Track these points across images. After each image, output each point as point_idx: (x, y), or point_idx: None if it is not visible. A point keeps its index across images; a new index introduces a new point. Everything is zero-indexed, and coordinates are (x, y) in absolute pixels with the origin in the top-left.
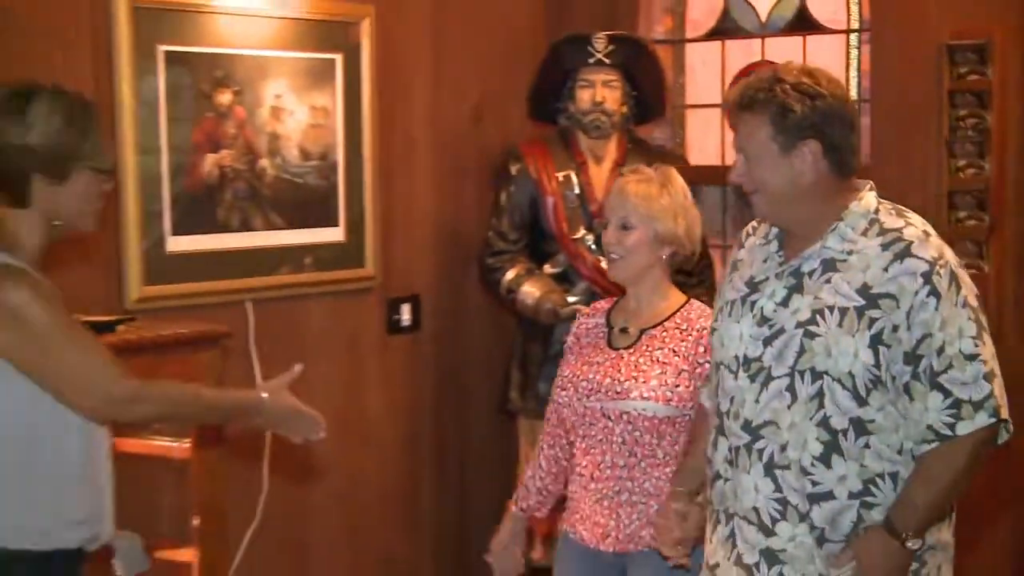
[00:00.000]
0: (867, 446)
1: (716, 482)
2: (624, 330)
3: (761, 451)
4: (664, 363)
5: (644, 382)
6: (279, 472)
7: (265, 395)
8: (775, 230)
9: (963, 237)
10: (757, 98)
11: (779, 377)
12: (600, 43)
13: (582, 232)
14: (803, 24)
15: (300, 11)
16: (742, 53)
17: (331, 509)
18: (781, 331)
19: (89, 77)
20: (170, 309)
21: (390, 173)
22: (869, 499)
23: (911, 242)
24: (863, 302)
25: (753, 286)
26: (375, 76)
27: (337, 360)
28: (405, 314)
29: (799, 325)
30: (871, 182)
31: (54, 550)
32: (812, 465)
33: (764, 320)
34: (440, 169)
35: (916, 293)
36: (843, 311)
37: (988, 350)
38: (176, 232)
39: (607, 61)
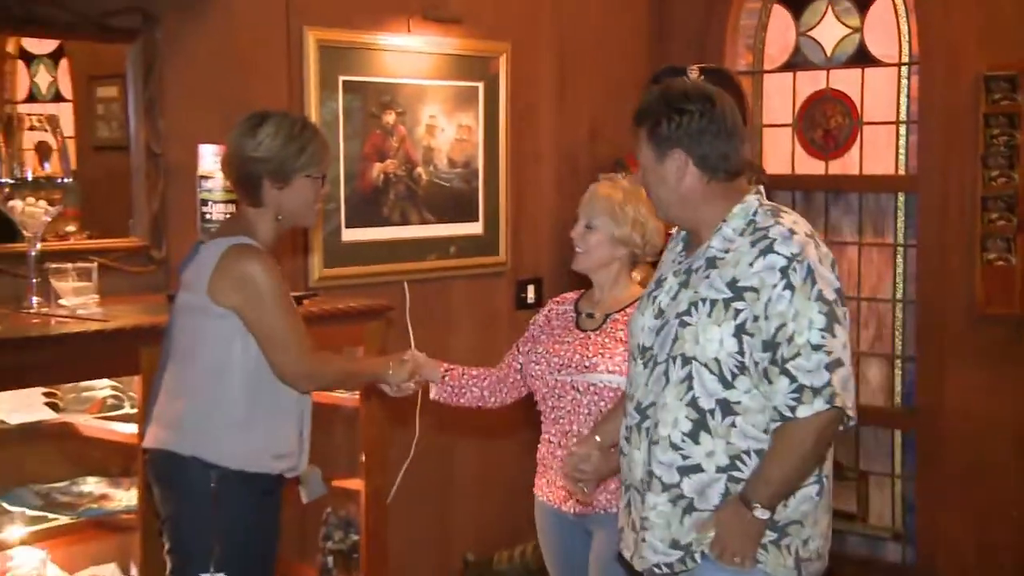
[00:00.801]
0: (733, 425)
1: (621, 457)
2: (590, 315)
3: (648, 429)
4: (625, 342)
5: (610, 358)
6: (428, 420)
7: (391, 370)
8: (683, 233)
9: (994, 235)
10: (640, 114)
11: (661, 363)
12: (693, 74)
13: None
14: (862, 58)
15: (450, 48)
16: (810, 82)
17: (468, 451)
18: (667, 322)
19: (285, 101)
20: (343, 287)
21: (520, 179)
22: (735, 473)
23: (774, 239)
24: (730, 294)
25: (659, 283)
26: (510, 100)
27: (474, 330)
28: (530, 293)
29: (677, 316)
30: (759, 187)
31: (262, 474)
32: (683, 441)
33: (660, 312)
34: (560, 176)
35: (774, 286)
36: (713, 303)
37: (836, 342)
38: (349, 225)
39: None
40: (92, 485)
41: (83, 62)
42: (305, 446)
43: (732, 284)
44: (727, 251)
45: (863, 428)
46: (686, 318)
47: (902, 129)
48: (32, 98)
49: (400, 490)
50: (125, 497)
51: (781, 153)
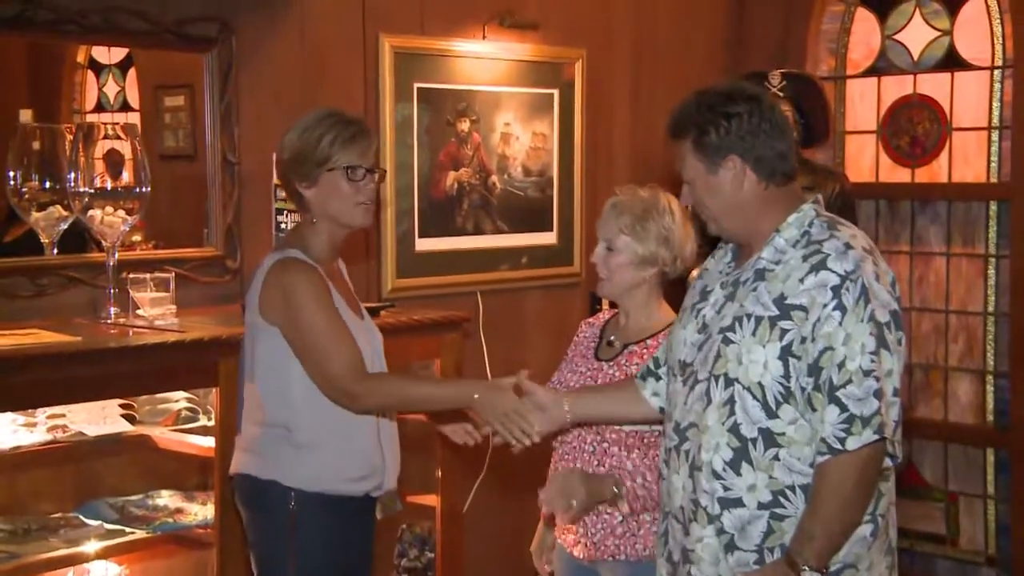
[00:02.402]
0: (776, 458)
1: (661, 482)
2: (611, 343)
3: (687, 452)
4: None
5: None
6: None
7: (477, 396)
8: (732, 244)
9: None
10: (679, 125)
11: (702, 381)
12: (775, 79)
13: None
14: (951, 62)
15: (525, 55)
16: (896, 87)
17: (540, 466)
18: (710, 337)
19: (360, 108)
20: (416, 298)
21: (595, 187)
22: (779, 511)
23: (828, 255)
24: (777, 312)
25: (704, 295)
26: (585, 107)
27: (548, 342)
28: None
29: (721, 331)
30: (818, 195)
31: (345, 496)
32: (724, 470)
33: (704, 327)
34: (635, 183)
35: (825, 306)
36: (758, 320)
37: (882, 368)
38: (422, 235)
39: (780, 94)
40: (167, 499)
41: (150, 72)
42: (390, 463)
43: (779, 301)
44: (778, 263)
45: (952, 447)
46: (730, 334)
47: (994, 135)
48: (100, 108)
49: (473, 504)
50: (200, 511)
51: (865, 161)
